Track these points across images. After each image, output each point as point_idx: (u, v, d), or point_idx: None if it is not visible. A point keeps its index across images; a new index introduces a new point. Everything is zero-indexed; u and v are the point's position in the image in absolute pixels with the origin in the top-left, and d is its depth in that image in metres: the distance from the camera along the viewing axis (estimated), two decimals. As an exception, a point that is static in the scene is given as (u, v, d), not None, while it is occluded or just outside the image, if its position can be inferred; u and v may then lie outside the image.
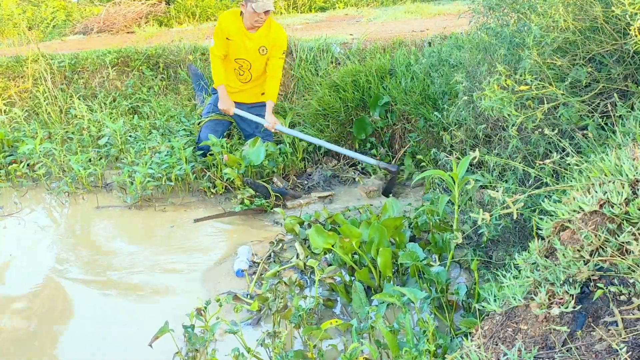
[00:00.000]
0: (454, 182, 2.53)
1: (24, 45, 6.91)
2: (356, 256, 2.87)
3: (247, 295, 2.83)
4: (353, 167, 4.41)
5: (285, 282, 2.83)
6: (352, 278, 2.79)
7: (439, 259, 2.75)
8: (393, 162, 4.30)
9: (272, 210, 3.81)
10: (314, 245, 2.85)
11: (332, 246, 2.80)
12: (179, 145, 4.12)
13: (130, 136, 4.73)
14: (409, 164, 4.08)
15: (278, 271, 3.01)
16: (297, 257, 3.13)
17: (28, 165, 4.42)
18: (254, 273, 3.04)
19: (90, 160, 4.39)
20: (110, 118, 5.06)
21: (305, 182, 4.23)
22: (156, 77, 5.77)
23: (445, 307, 2.44)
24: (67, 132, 5.03)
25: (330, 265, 2.90)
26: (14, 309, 2.89)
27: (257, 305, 2.57)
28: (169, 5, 8.60)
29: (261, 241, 3.43)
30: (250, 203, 3.81)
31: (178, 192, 4.13)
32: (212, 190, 4.06)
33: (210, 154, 4.20)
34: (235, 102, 4.36)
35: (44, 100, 5.40)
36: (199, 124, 4.54)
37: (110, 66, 5.76)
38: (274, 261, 3.15)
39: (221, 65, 4.27)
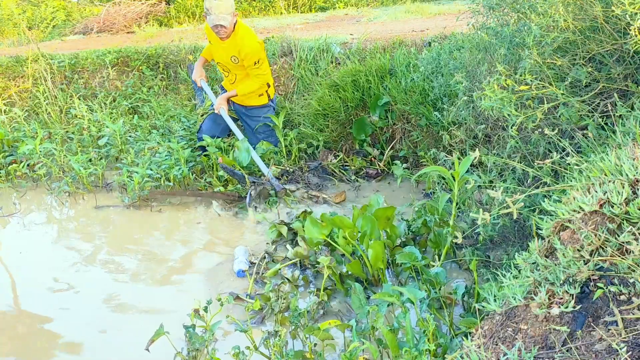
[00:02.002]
0: (454, 180, 2.54)
1: (24, 45, 6.90)
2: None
3: (247, 295, 2.83)
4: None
5: (289, 279, 2.87)
6: (348, 272, 2.84)
7: (437, 256, 2.77)
8: (382, 163, 4.28)
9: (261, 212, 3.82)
10: (310, 236, 2.89)
11: (327, 237, 2.85)
12: (177, 147, 4.11)
13: (130, 136, 4.73)
14: (398, 168, 4.02)
15: (279, 269, 3.02)
16: (297, 246, 3.14)
17: (28, 165, 4.42)
18: (251, 273, 3.04)
19: (90, 160, 4.39)
20: (110, 118, 5.06)
21: (301, 180, 4.21)
22: (156, 77, 5.77)
23: (444, 305, 2.43)
24: (67, 132, 5.03)
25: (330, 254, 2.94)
26: (7, 311, 2.88)
27: (259, 304, 2.59)
28: (169, 5, 8.60)
29: (262, 236, 3.43)
30: (225, 187, 3.87)
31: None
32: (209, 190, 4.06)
33: (206, 155, 4.21)
34: (234, 101, 4.43)
35: (44, 100, 5.39)
36: (202, 115, 4.56)
37: (110, 66, 5.76)
38: (273, 260, 3.16)
39: (209, 49, 4.47)
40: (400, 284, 2.83)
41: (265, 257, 3.17)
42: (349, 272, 2.84)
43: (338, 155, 4.43)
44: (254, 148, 4.24)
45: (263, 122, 4.42)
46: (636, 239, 1.34)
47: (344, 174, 4.29)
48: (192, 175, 4.11)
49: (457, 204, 2.61)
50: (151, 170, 3.94)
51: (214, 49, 4.28)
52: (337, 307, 2.76)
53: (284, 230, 3.39)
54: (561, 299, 1.40)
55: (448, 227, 2.80)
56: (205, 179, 4.11)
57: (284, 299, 2.57)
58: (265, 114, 4.43)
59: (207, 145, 4.13)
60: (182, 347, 2.31)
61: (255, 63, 4.12)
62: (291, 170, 4.26)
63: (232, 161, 4.04)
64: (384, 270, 2.76)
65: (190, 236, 3.57)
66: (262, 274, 3.03)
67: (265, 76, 4.26)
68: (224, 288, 2.93)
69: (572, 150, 1.91)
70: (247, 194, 3.87)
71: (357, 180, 4.24)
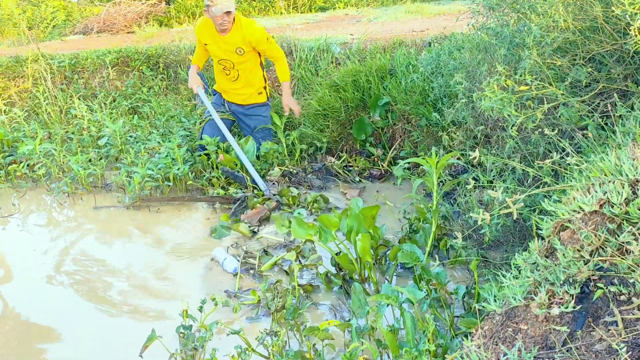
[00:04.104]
0: (434, 169, 2.65)
1: (24, 45, 6.90)
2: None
3: (235, 293, 2.88)
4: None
5: (287, 272, 2.95)
6: (335, 269, 2.92)
7: (430, 254, 2.80)
8: (385, 164, 4.27)
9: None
10: (296, 236, 2.94)
11: (313, 237, 2.90)
12: (171, 145, 4.08)
13: (130, 136, 4.72)
14: (398, 169, 4.01)
15: (275, 263, 3.08)
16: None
17: (28, 165, 4.42)
18: (242, 270, 3.07)
19: (90, 160, 4.39)
20: (110, 118, 5.06)
21: (303, 182, 4.19)
22: (156, 77, 5.77)
23: (445, 304, 2.43)
24: (67, 132, 5.03)
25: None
26: (1, 313, 2.88)
27: (258, 298, 2.65)
28: (169, 5, 8.59)
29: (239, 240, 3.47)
30: (225, 191, 3.88)
31: (176, 192, 4.12)
32: (209, 189, 4.05)
33: (206, 154, 4.20)
34: (231, 102, 4.41)
35: (44, 100, 5.39)
36: (201, 122, 4.54)
37: (110, 66, 5.76)
38: (261, 256, 3.19)
39: (200, 54, 4.41)
40: (387, 281, 2.88)
41: (245, 254, 3.20)
42: (335, 271, 2.91)
43: (341, 157, 4.41)
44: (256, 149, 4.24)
45: (263, 122, 4.41)
46: (636, 239, 1.34)
47: (347, 175, 4.28)
48: (192, 174, 4.10)
49: (437, 192, 2.73)
50: (151, 170, 3.93)
51: (213, 48, 4.20)
52: (325, 301, 2.80)
53: (244, 228, 3.43)
54: (561, 299, 1.40)
55: (430, 219, 2.86)
56: (205, 178, 4.10)
57: (281, 297, 2.58)
58: (264, 113, 4.42)
59: (207, 144, 4.12)
60: (176, 349, 2.30)
61: (267, 39, 4.16)
62: (294, 171, 4.24)
63: (233, 158, 4.04)
64: (372, 265, 2.80)
65: (184, 238, 3.55)
66: (258, 268, 3.07)
67: (279, 50, 4.31)
68: (222, 288, 2.94)
69: (572, 151, 1.90)
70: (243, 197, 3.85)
71: (361, 181, 4.23)
